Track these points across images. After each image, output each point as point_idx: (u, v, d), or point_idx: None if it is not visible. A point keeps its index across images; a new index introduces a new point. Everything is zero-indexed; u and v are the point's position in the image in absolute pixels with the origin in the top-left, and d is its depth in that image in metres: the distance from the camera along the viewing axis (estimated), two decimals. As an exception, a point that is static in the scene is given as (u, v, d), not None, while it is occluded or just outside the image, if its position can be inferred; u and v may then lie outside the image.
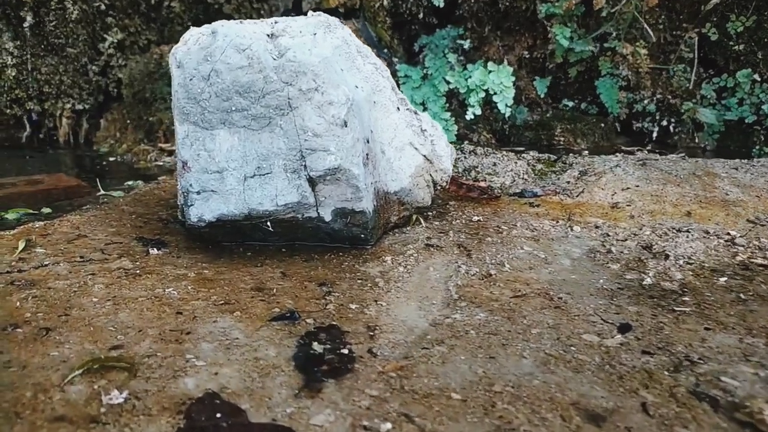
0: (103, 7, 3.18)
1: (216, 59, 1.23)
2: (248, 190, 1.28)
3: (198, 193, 1.28)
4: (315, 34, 1.29)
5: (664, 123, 3.19)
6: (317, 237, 1.41)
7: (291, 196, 1.28)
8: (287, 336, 1.02)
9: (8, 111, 3.23)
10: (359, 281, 1.26)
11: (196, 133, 1.29)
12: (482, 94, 3.11)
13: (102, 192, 2.04)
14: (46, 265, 1.28)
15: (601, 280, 1.30)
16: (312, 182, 1.28)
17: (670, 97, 3.18)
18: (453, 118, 3.11)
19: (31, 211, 1.79)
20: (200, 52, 1.25)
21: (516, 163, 2.13)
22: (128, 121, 3.06)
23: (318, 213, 1.33)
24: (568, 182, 1.94)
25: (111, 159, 2.83)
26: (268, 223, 1.31)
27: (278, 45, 1.25)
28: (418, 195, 1.60)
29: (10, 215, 1.73)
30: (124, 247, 1.41)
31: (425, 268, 1.35)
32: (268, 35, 1.27)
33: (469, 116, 3.09)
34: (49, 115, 3.34)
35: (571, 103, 3.36)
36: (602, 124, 3.18)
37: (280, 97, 1.24)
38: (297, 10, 3.40)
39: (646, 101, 3.19)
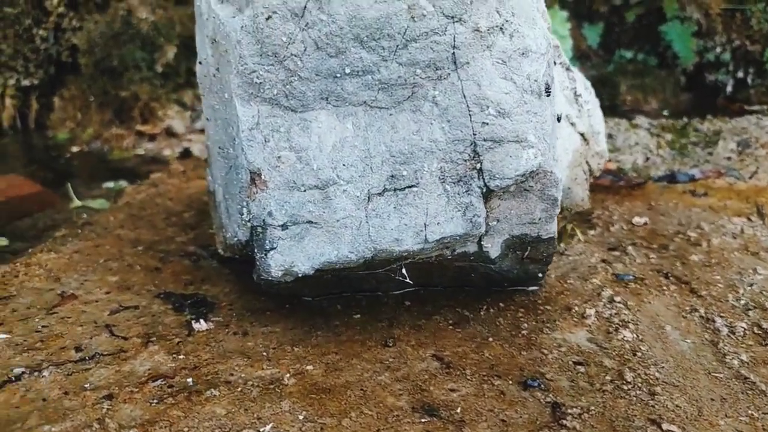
0: (45, -51, 2.45)
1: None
2: (374, 217, 0.71)
3: (284, 227, 0.71)
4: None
5: (740, 74, 2.71)
6: (459, 279, 0.86)
7: (452, 224, 0.72)
8: None
9: (-70, 91, 2.51)
10: (580, 372, 0.72)
11: (275, 119, 0.71)
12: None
13: (77, 203, 1.42)
14: (17, 379, 0.69)
15: None
16: (486, 197, 0.73)
17: (748, 43, 2.69)
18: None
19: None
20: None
21: (636, 133, 1.61)
22: (91, 98, 2.39)
23: (480, 246, 0.78)
24: (729, 158, 1.43)
25: (75, 149, 2.18)
26: (404, 271, 0.76)
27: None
28: (578, 194, 1.06)
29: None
30: (145, 319, 0.83)
31: (655, 326, 0.83)
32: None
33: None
34: (-14, 95, 2.62)
35: (629, 54, 2.83)
36: (672, 78, 2.68)
37: (439, 44, 0.67)
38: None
39: (718, 49, 2.70)
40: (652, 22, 2.74)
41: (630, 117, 1.99)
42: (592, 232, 1.14)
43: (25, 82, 2.66)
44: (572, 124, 1.03)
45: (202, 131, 2.16)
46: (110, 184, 1.62)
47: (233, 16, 0.71)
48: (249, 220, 0.74)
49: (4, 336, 0.78)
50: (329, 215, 0.71)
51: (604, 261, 1.03)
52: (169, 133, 2.17)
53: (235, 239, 0.82)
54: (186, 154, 1.91)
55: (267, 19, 0.66)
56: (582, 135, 1.06)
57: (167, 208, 1.30)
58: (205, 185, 1.45)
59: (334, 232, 0.72)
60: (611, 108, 2.56)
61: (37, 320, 0.83)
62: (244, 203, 0.74)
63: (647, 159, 1.50)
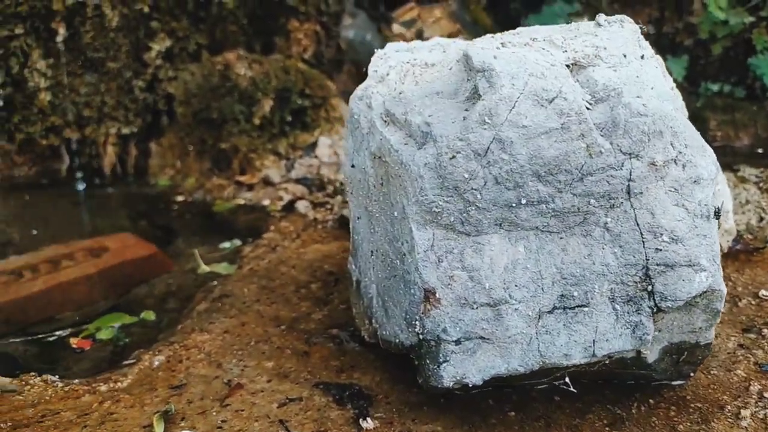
0: (146, 10, 2.61)
1: (501, 120, 0.69)
2: (544, 334, 0.75)
3: (457, 342, 0.76)
4: (643, 57, 0.75)
5: (836, 106, 2.62)
6: (608, 375, 0.89)
7: (620, 341, 0.75)
8: None
9: (44, 141, 2.70)
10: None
11: (449, 241, 0.76)
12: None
13: (205, 269, 1.52)
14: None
15: None
16: (655, 315, 0.75)
17: None
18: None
19: (127, 320, 1.27)
20: (460, 112, 0.71)
21: (745, 188, 1.59)
22: (190, 148, 2.52)
23: (638, 353, 0.80)
24: None
25: (179, 199, 2.30)
26: (567, 380, 0.79)
27: (592, 84, 0.71)
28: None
29: (104, 334, 1.21)
30: (312, 414, 0.90)
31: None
32: (568, 66, 0.72)
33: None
34: (91, 143, 2.80)
35: (715, 87, 2.78)
36: (763, 113, 2.61)
37: (614, 177, 0.70)
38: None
39: (812, 80, 2.61)
40: (739, 54, 2.69)
41: (725, 158, 1.95)
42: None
43: (125, 131, 2.83)
44: (704, 207, 1.04)
45: (297, 180, 2.25)
46: (226, 245, 1.72)
47: (411, 148, 0.76)
48: (421, 333, 0.79)
49: None
50: (501, 332, 0.75)
51: (741, 346, 1.03)
52: (266, 182, 2.27)
53: (396, 340, 0.87)
54: (288, 208, 1.99)
55: (451, 158, 0.71)
56: (713, 217, 1.07)
57: (293, 279, 1.37)
58: (321, 252, 1.52)
59: (504, 347, 0.76)
60: (699, 144, 2.52)
61: (214, 414, 0.90)
62: (417, 318, 0.79)
63: (761, 219, 1.48)
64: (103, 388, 0.98)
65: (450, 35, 2.63)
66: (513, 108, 0.69)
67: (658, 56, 0.85)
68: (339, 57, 2.99)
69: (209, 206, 2.21)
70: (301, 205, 1.90)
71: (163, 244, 1.84)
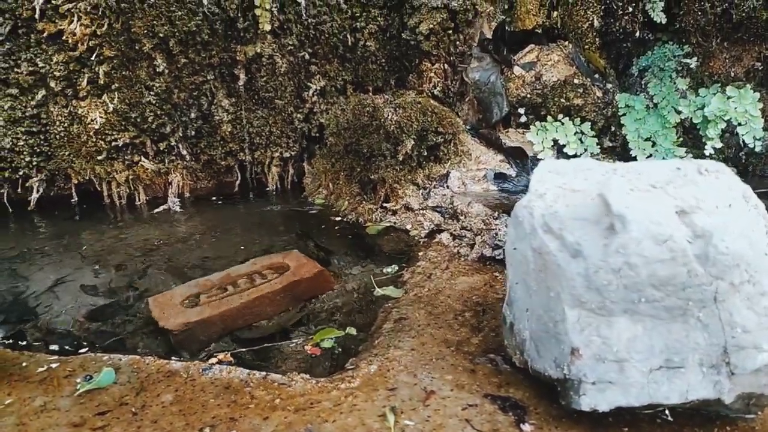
0: (307, 56, 3.15)
1: (629, 251, 1.10)
2: (653, 383, 1.16)
3: (593, 383, 1.18)
4: (730, 205, 1.13)
5: None
6: (694, 409, 1.28)
7: (704, 391, 1.15)
8: None
9: (222, 162, 3.33)
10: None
11: (589, 318, 1.18)
12: (722, 125, 2.78)
13: (379, 292, 2.02)
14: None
15: None
16: (731, 376, 1.14)
17: None
18: (688, 155, 2.83)
19: (338, 334, 1.79)
20: (602, 239, 1.13)
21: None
22: (341, 173, 3.04)
23: (719, 399, 1.19)
24: None
25: (336, 218, 2.83)
26: (667, 412, 1.20)
27: (693, 226, 1.10)
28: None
29: (326, 343, 1.74)
30: (486, 417, 1.36)
31: None
32: (677, 212, 1.12)
33: (708, 151, 2.80)
34: (258, 163, 3.41)
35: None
36: None
37: (705, 291, 1.09)
38: (499, 32, 3.19)
39: None
40: None
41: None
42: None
43: (286, 154, 3.41)
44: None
45: (433, 208, 2.70)
46: (388, 269, 2.21)
47: (565, 255, 1.19)
48: (567, 374, 1.22)
49: (409, 422, 1.34)
50: (623, 380, 1.17)
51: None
52: (407, 208, 2.75)
53: (545, 372, 1.31)
54: (431, 235, 2.46)
55: (595, 272, 1.13)
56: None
57: (450, 307, 1.84)
58: (467, 283, 1.97)
59: (625, 389, 1.18)
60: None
61: (421, 411, 1.38)
62: (565, 364, 1.22)
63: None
64: (342, 386, 1.49)
65: (566, 78, 2.97)
66: (639, 245, 1.10)
67: (756, 199, 1.19)
68: (462, 89, 3.40)
69: (362, 227, 2.71)
70: (444, 237, 2.35)
71: (323, 263, 2.23)
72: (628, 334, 1.16)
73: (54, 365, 1.58)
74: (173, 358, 1.71)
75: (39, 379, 1.53)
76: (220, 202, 3.22)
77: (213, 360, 1.68)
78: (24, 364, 1.60)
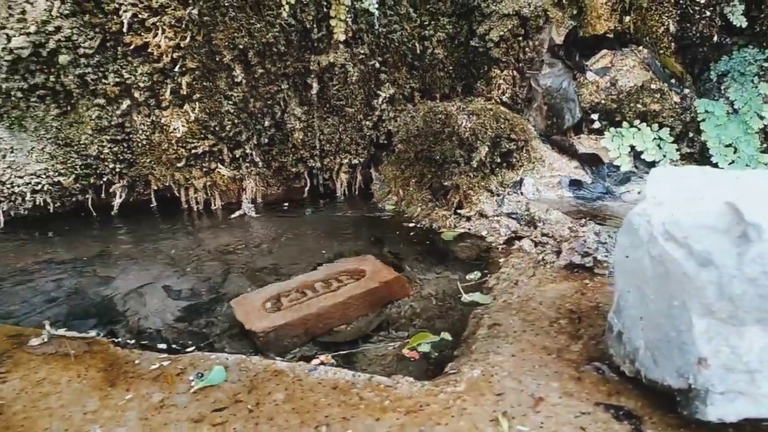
0: (377, 65, 3.19)
1: (767, 260, 1.09)
2: (786, 394, 1.14)
3: (721, 393, 1.17)
4: None
5: None
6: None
7: (843, 404, 1.12)
8: None
9: (293, 169, 3.39)
10: None
11: (719, 327, 1.17)
12: (808, 131, 2.70)
13: (467, 299, 2.03)
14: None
15: None
16: None
17: None
18: (772, 161, 2.75)
19: (432, 338, 1.81)
20: (734, 248, 1.12)
21: None
22: (411, 179, 3.06)
23: None
24: None
25: (409, 224, 2.85)
26: (797, 423, 1.18)
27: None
28: None
29: (423, 348, 1.76)
30: (602, 425, 1.35)
31: None
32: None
33: (792, 158, 2.71)
34: (327, 170, 3.47)
35: None
36: None
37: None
38: (570, 39, 3.17)
39: None
40: None
41: None
42: None
43: (354, 161, 3.45)
44: None
45: (508, 215, 2.70)
46: (471, 275, 2.22)
47: (692, 264, 1.18)
48: (693, 384, 1.21)
49: (522, 428, 1.35)
50: (754, 390, 1.16)
51: None
52: (481, 214, 2.75)
53: (664, 382, 1.30)
54: (509, 242, 2.46)
55: (729, 281, 1.12)
56: None
57: (544, 314, 1.84)
58: (557, 291, 1.97)
59: (756, 400, 1.16)
60: None
61: (532, 417, 1.39)
62: (691, 373, 1.21)
63: None
64: (448, 389, 1.50)
65: (643, 84, 2.93)
66: (777, 254, 1.09)
67: None
68: (530, 96, 3.39)
69: (436, 233, 2.73)
70: (525, 244, 2.35)
71: (397, 268, 2.23)
72: (760, 344, 1.15)
73: (165, 363, 1.65)
74: (277, 358, 1.75)
75: (152, 376, 1.60)
76: (287, 208, 3.28)
77: (315, 361, 1.72)
78: (136, 361, 1.67)
